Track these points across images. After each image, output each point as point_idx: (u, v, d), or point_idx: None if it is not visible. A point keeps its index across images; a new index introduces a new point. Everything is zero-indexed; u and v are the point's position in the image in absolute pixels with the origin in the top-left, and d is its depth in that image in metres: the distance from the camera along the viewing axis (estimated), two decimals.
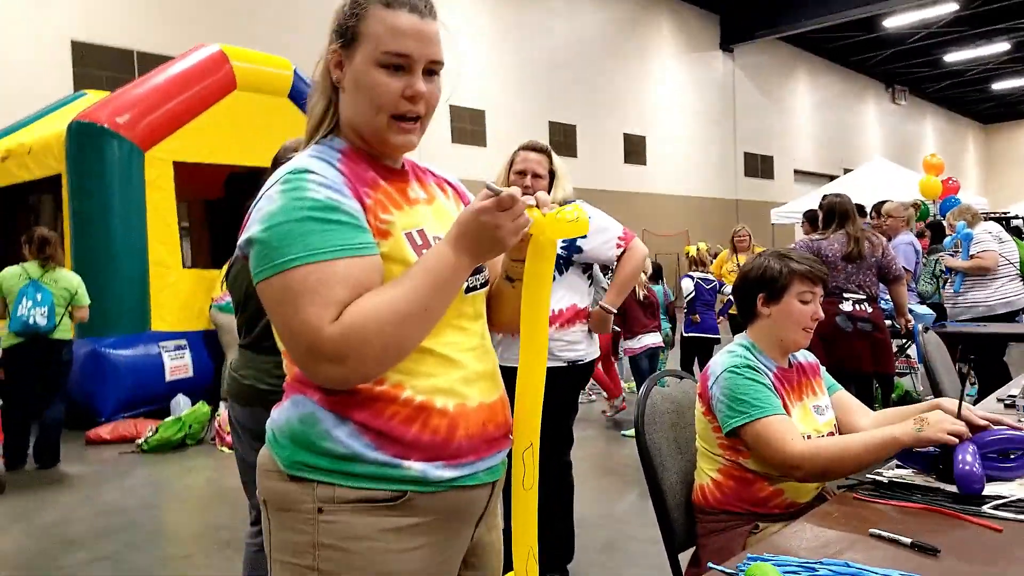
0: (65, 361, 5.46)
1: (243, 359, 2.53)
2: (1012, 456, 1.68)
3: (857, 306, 4.45)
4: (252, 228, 1.18)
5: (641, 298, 6.20)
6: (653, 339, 6.23)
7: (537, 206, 1.22)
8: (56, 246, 5.41)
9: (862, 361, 4.41)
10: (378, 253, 1.18)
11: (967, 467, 1.58)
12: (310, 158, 1.22)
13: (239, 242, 1.21)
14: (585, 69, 19.26)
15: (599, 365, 6.37)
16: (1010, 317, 5.79)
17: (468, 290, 1.28)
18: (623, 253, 3.00)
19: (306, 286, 1.11)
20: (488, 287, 1.38)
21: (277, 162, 2.46)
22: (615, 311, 3.09)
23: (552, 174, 2.93)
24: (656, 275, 6.69)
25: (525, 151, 2.92)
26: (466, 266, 1.18)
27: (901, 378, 6.80)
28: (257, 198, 1.21)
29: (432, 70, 1.25)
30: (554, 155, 2.93)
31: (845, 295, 4.48)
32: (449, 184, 1.44)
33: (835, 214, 4.63)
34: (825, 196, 4.83)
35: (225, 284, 2.67)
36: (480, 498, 1.30)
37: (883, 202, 6.88)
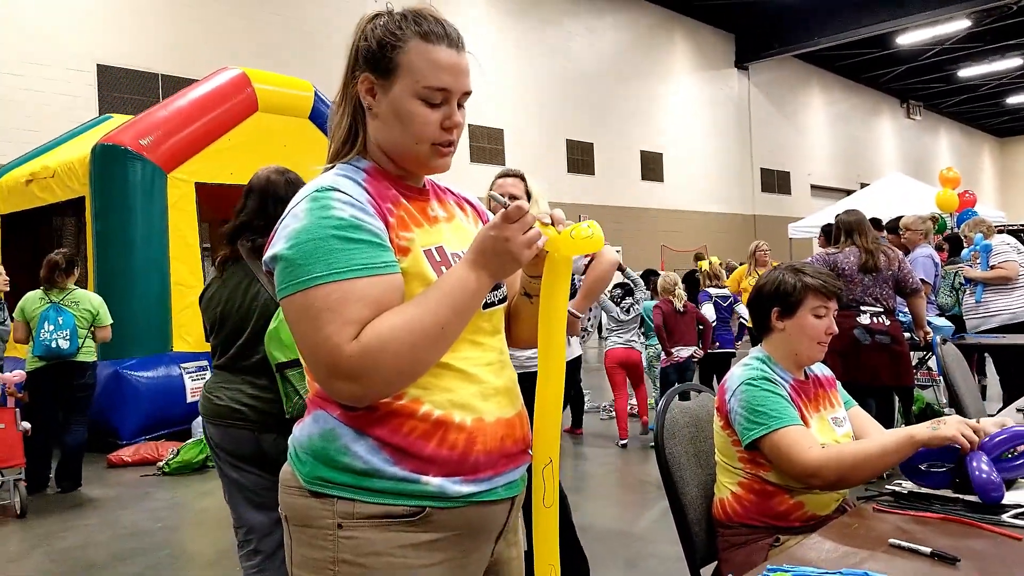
0: (89, 384, 5.48)
1: (218, 379, 2.51)
2: (1020, 451, 1.69)
3: (875, 319, 4.43)
4: (278, 245, 1.21)
5: (681, 309, 6.24)
6: (685, 352, 6.24)
7: (553, 224, 1.25)
8: (60, 270, 5.39)
9: (881, 374, 4.38)
10: (399, 271, 1.21)
11: (984, 475, 1.59)
12: (336, 176, 1.25)
13: (264, 258, 1.24)
14: (602, 87, 19.38)
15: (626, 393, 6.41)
16: None
17: (486, 306, 1.30)
18: (590, 260, 3.05)
19: (328, 304, 1.14)
20: (506, 303, 1.40)
21: (260, 189, 2.49)
22: (580, 315, 3.11)
23: (528, 195, 2.98)
24: (628, 291, 6.65)
25: (501, 178, 2.99)
26: (484, 284, 1.20)
27: (923, 391, 6.75)
28: (283, 215, 1.24)
29: (462, 100, 1.30)
30: (528, 178, 2.99)
31: (863, 308, 4.47)
32: (468, 203, 1.48)
33: (846, 229, 4.69)
34: (837, 215, 4.88)
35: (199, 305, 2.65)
36: (499, 513, 1.31)
37: (899, 218, 6.88)
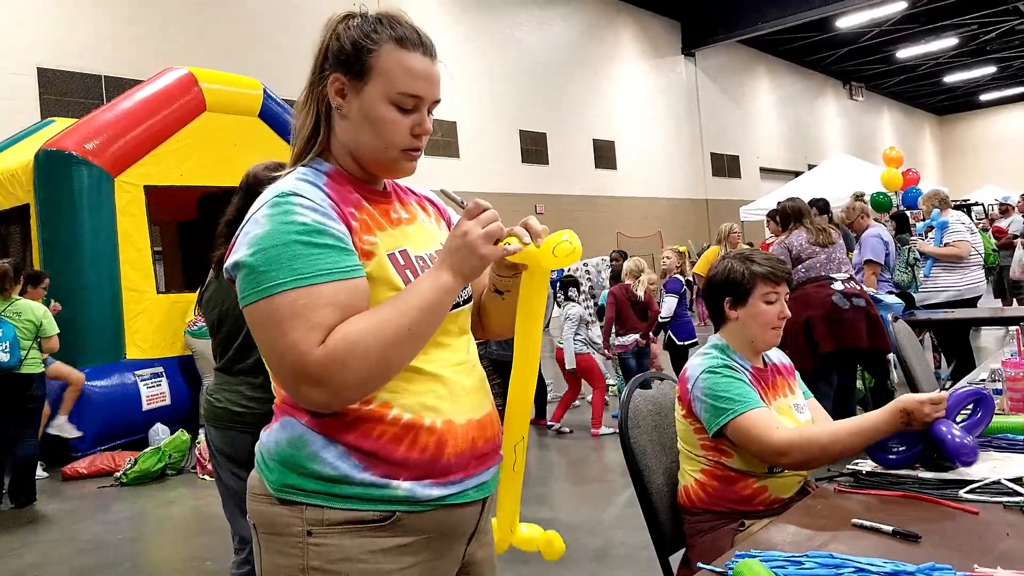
0: (36, 396, 5.34)
1: (217, 382, 2.52)
2: (972, 409, 1.77)
3: (847, 284, 4.53)
4: (239, 252, 1.19)
5: (641, 297, 6.29)
6: (629, 339, 6.31)
7: (530, 234, 1.24)
8: (9, 279, 5.27)
9: (863, 337, 4.44)
10: (364, 275, 1.20)
11: (958, 439, 1.65)
12: (297, 181, 1.24)
13: (226, 265, 1.23)
14: (553, 78, 19.41)
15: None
16: (973, 303, 6.03)
17: (453, 306, 1.30)
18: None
19: (293, 310, 1.13)
20: (472, 303, 1.41)
21: (249, 187, 2.45)
22: None
23: None
24: (572, 283, 6.66)
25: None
26: (449, 284, 1.21)
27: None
28: (244, 221, 1.23)
29: (431, 107, 1.29)
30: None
31: (832, 276, 4.56)
32: (429, 202, 1.47)
33: (790, 215, 4.86)
34: (780, 202, 5.03)
35: (199, 308, 2.67)
36: (471, 516, 1.31)
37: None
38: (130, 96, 7.13)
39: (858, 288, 4.60)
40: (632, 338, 6.32)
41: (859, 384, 5.33)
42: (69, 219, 6.56)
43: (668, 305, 6.52)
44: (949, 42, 26.48)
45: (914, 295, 6.10)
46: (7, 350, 5.06)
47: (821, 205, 5.73)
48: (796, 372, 2.20)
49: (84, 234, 6.59)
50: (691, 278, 9.18)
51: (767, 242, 7.22)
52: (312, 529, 1.20)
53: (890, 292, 5.83)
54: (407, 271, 1.25)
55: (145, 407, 6.63)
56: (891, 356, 4.88)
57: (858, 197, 7.77)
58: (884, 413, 1.72)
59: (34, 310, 5.33)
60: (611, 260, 9.22)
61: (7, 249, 7.89)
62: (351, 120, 1.27)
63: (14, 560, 4.25)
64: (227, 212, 2.49)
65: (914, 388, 3.36)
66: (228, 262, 1.21)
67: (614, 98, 21.40)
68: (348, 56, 1.25)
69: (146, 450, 6.01)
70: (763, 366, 2.08)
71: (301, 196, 1.19)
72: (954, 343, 5.88)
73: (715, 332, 2.13)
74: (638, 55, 22.36)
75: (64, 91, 10.97)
